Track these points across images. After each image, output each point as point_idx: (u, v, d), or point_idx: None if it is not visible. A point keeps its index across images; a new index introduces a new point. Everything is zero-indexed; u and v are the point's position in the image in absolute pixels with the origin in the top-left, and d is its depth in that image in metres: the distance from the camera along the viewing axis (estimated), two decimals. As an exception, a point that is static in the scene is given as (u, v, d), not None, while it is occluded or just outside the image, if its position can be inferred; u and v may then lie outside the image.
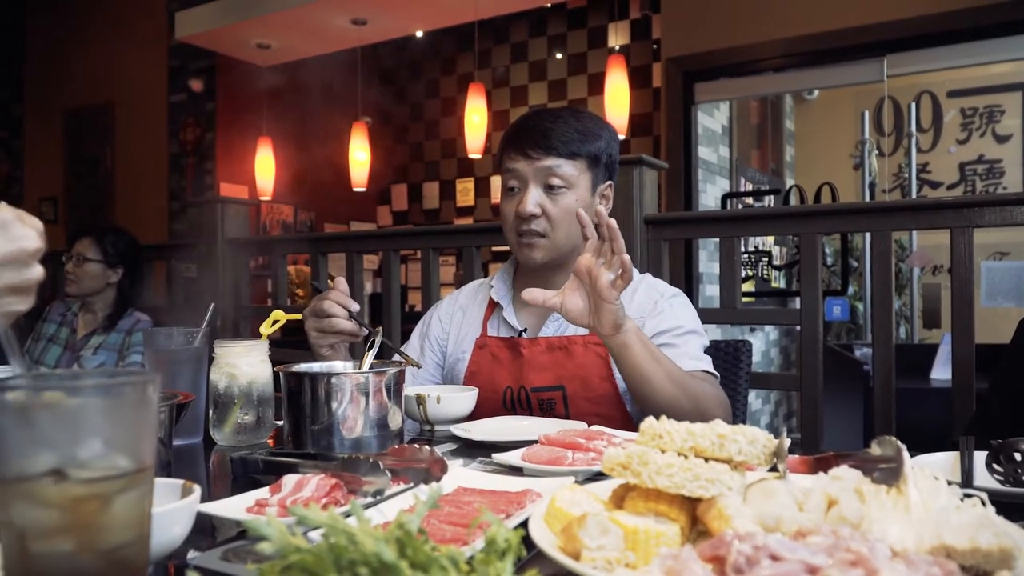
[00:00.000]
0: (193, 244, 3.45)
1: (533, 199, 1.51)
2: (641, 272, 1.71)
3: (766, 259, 5.43)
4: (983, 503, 0.66)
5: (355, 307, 1.44)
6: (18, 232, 0.83)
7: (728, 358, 1.87)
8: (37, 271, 0.86)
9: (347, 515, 0.70)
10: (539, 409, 1.54)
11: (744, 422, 1.83)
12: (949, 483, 0.69)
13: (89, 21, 6.35)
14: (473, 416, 1.47)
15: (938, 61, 4.33)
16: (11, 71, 6.76)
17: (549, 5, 5.81)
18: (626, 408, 1.53)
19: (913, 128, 5.72)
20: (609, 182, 1.61)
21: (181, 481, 0.78)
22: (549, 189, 1.52)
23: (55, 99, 6.60)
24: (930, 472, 0.67)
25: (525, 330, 1.60)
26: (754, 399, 5.27)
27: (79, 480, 0.53)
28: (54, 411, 0.54)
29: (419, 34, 5.92)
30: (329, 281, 1.50)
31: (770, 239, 5.60)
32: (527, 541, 0.65)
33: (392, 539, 0.51)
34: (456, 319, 1.71)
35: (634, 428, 1.55)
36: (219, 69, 5.93)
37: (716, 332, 4.48)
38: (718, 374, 1.55)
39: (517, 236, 1.55)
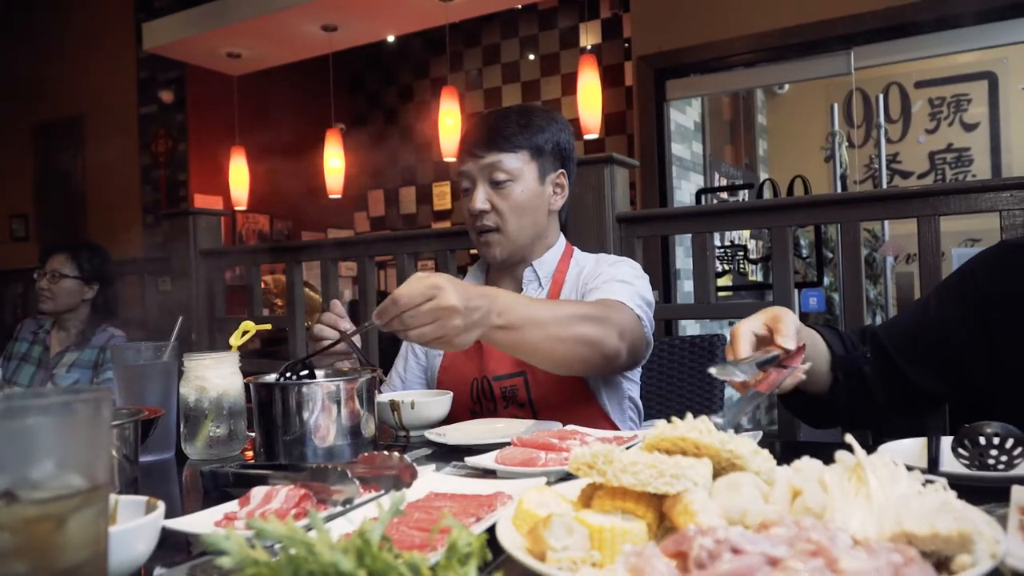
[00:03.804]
0: (166, 257, 3.42)
1: (481, 196, 1.57)
2: None
3: (742, 253, 5.46)
4: (944, 488, 0.66)
5: (344, 326, 1.44)
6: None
7: (703, 352, 1.88)
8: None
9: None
10: (502, 399, 1.55)
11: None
12: (911, 468, 0.70)
13: (57, 33, 6.26)
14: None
15: (904, 52, 4.38)
16: (-23, 86, 6.66)
17: (520, 7, 5.81)
18: (590, 389, 1.54)
19: (882, 119, 5.77)
20: (562, 170, 1.64)
21: (145, 498, 0.78)
22: (496, 185, 1.56)
23: (24, 113, 6.51)
24: (889, 459, 0.67)
25: None
26: (734, 391, 5.29)
27: (31, 501, 0.52)
28: (4, 432, 0.53)
29: (390, 39, 5.89)
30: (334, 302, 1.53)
31: (746, 233, 5.63)
32: (496, 544, 0.64)
33: (352, 548, 0.51)
34: None
35: (601, 411, 1.56)
36: (189, 79, 5.88)
37: (695, 327, 4.50)
38: (635, 308, 1.44)
39: (477, 235, 1.61)
